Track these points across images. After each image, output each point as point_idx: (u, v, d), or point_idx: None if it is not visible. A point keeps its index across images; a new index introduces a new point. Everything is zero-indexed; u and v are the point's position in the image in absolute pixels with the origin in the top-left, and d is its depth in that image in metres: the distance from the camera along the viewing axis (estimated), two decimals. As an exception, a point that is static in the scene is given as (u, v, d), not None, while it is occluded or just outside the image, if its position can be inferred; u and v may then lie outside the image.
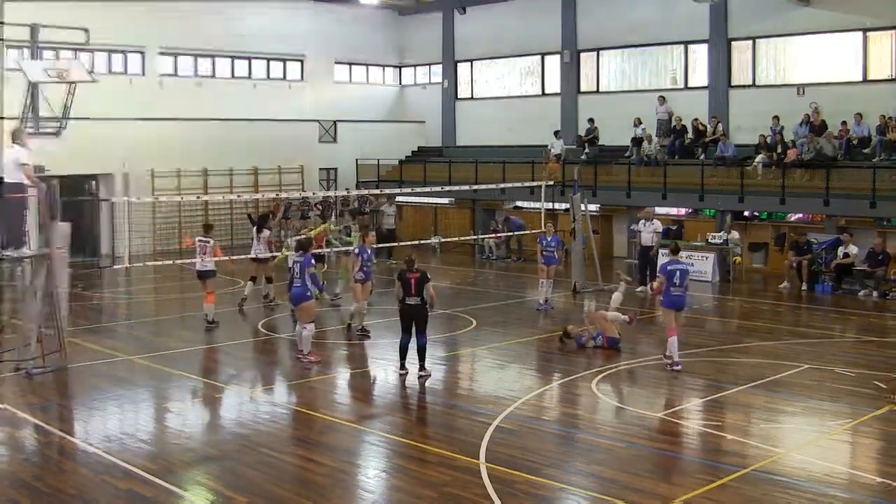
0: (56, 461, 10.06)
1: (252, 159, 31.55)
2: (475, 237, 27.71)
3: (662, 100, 28.10)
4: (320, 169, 33.67)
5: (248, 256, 18.76)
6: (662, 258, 22.40)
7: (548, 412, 11.79)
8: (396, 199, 30.82)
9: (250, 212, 17.78)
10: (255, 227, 18.96)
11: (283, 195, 29.29)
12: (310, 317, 14.09)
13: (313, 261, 14.45)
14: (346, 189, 29.72)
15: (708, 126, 27.04)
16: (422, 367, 13.17)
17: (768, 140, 25.03)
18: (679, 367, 13.34)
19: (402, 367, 13.29)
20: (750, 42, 27.50)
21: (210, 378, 13.49)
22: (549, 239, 19.39)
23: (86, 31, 27.15)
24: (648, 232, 21.41)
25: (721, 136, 26.18)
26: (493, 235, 26.94)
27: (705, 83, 28.45)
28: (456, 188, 24.97)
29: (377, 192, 29.03)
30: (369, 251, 16.26)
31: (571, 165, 26.76)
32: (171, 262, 21.01)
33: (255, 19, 32.84)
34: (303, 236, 16.94)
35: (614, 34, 30.36)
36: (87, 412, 11.86)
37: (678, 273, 13.58)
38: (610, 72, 31.30)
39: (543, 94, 33.21)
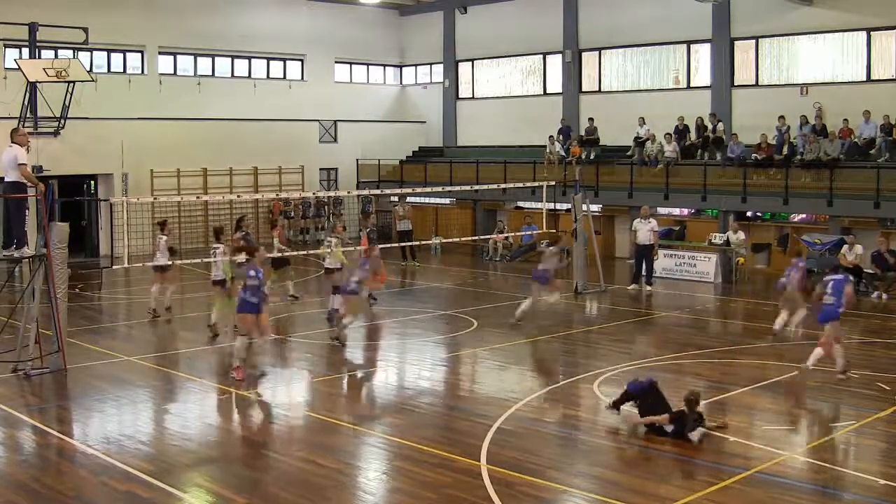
0: (55, 463, 9.99)
1: (252, 159, 31.50)
2: (488, 237, 27.60)
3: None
4: (321, 169, 33.63)
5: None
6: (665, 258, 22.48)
7: (549, 414, 11.70)
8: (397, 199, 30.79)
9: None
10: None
11: (283, 195, 29.34)
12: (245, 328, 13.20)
13: (251, 272, 13.05)
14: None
15: (708, 125, 26.97)
16: None
17: (772, 140, 24.96)
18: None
19: None
20: (753, 42, 27.45)
21: (210, 379, 13.41)
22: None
23: (85, 30, 27.18)
24: (646, 230, 21.20)
25: (731, 136, 26.09)
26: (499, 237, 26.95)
27: (708, 83, 28.39)
28: (457, 188, 24.91)
29: (377, 192, 29.04)
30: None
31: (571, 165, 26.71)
32: (170, 262, 20.91)
33: (255, 19, 32.80)
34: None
35: (616, 34, 30.30)
36: (85, 413, 11.78)
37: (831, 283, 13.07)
38: (612, 71, 31.24)
39: (545, 93, 33.16)
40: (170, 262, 18.02)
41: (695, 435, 10.10)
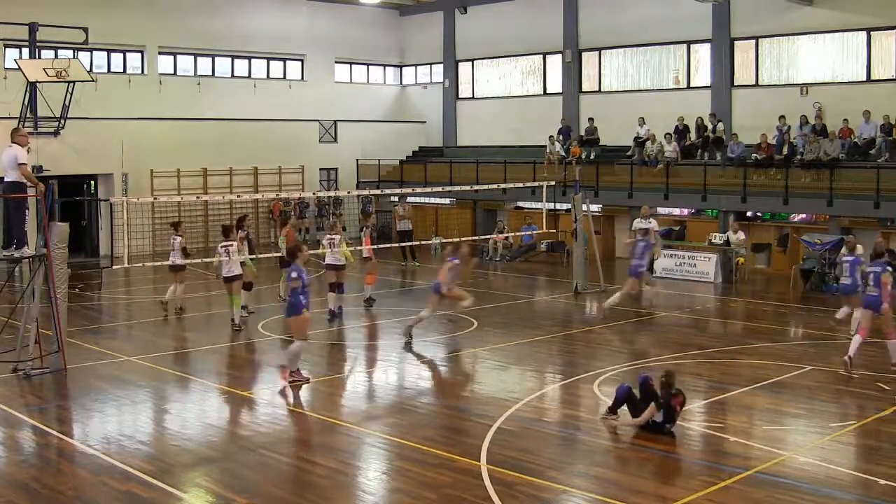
0: (55, 463, 9.99)
1: (252, 159, 31.51)
2: (489, 237, 27.56)
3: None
4: (321, 169, 33.64)
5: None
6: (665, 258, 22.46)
7: (549, 414, 11.71)
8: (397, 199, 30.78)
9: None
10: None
11: (283, 195, 29.34)
12: (298, 332, 12.97)
13: (294, 274, 12.79)
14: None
15: (708, 125, 26.97)
16: None
17: (772, 140, 24.95)
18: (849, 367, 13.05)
19: None
20: (753, 42, 27.46)
21: (210, 379, 13.40)
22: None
23: (85, 30, 27.19)
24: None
25: (731, 136, 26.07)
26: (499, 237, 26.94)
27: (708, 83, 28.39)
28: (457, 188, 24.90)
29: (377, 192, 29.03)
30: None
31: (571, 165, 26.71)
32: (184, 262, 20.90)
33: (255, 19, 32.81)
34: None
35: (616, 33, 30.31)
36: (85, 413, 11.78)
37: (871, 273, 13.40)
38: (612, 71, 31.25)
39: (545, 93, 33.17)
40: (184, 263, 18.14)
41: (669, 426, 10.32)
